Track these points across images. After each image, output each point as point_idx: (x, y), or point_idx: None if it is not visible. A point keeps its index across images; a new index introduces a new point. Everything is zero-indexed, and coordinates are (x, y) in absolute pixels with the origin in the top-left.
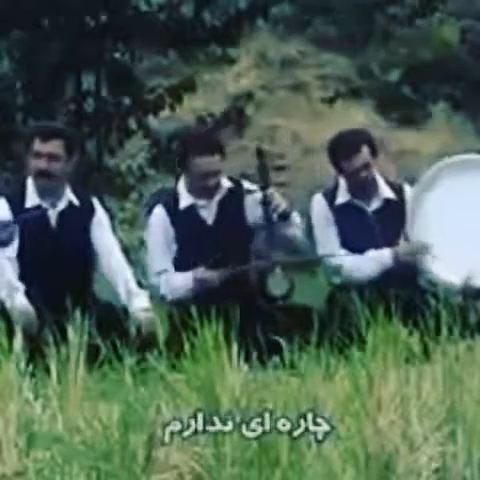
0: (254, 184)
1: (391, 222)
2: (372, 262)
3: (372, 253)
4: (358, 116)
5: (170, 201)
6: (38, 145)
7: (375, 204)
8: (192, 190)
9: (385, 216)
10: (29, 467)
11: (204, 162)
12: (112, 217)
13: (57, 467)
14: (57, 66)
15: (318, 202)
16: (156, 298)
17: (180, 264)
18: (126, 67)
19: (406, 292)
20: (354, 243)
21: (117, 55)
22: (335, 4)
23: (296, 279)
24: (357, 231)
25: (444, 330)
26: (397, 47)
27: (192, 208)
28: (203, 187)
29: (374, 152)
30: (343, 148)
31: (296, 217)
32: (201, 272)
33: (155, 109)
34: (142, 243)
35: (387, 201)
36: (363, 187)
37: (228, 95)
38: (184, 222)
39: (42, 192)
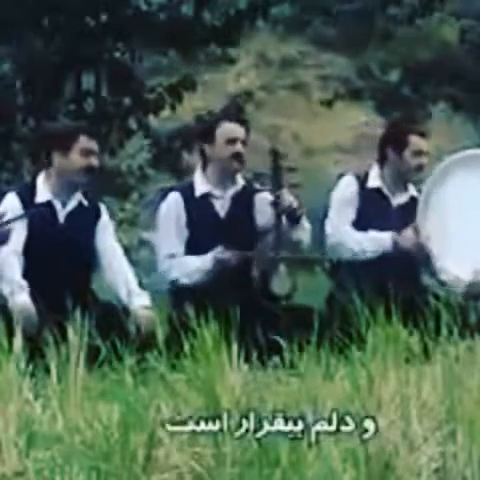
0: (264, 185)
1: (413, 218)
2: (372, 241)
3: (373, 234)
4: (358, 116)
5: (186, 189)
6: (88, 143)
7: (402, 198)
8: (210, 173)
9: (407, 212)
10: (29, 467)
11: (232, 127)
12: (112, 217)
13: (57, 467)
14: (57, 66)
15: (347, 182)
16: (163, 284)
17: (189, 252)
18: (126, 67)
19: (406, 291)
20: (371, 229)
21: (117, 55)
22: (335, 4)
23: (298, 279)
24: (377, 219)
25: (444, 330)
26: (397, 47)
27: (207, 197)
28: (230, 155)
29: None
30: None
31: (305, 222)
32: (220, 252)
33: (155, 109)
34: (142, 243)
35: (412, 199)
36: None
37: (228, 95)
38: (198, 210)
39: (61, 189)
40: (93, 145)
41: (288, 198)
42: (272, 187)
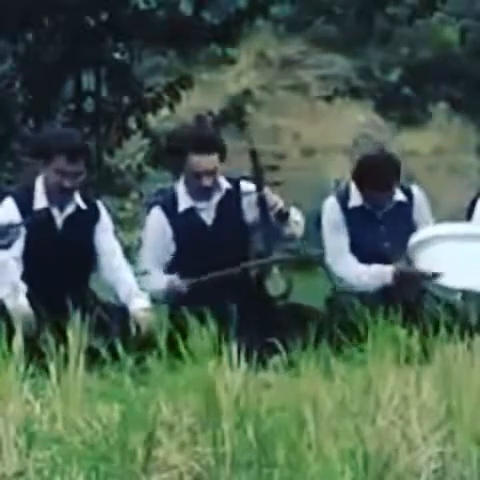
0: (251, 185)
1: (401, 223)
2: (373, 277)
3: (375, 268)
4: (358, 116)
5: (169, 202)
6: (65, 165)
7: (387, 207)
8: (190, 191)
9: (395, 218)
10: (29, 467)
11: (200, 161)
12: (112, 217)
13: (57, 467)
14: (57, 66)
15: (331, 206)
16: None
17: (180, 264)
18: (126, 66)
19: (406, 292)
20: (363, 245)
21: (117, 55)
22: (335, 4)
23: (296, 279)
24: (367, 234)
25: (443, 330)
26: (397, 47)
27: (191, 211)
28: (199, 187)
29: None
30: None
31: (296, 215)
32: (173, 280)
33: (154, 108)
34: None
35: (398, 204)
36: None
37: (228, 95)
38: (183, 224)
39: (53, 198)
40: (73, 167)
41: (272, 197)
42: (255, 187)
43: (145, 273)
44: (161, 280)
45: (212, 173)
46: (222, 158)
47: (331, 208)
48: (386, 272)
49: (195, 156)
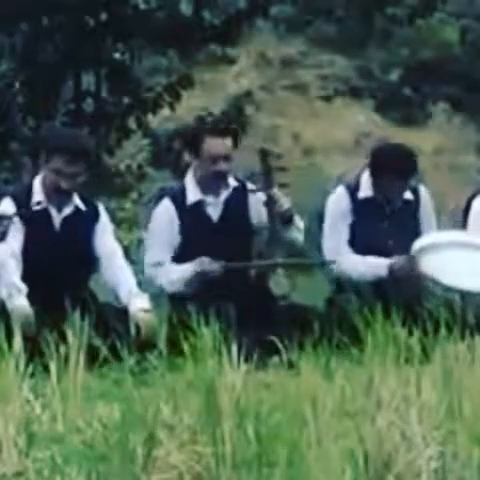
0: (257, 185)
1: (406, 221)
2: (369, 267)
3: (370, 259)
4: (358, 116)
5: (178, 195)
6: (62, 165)
7: (396, 202)
8: (200, 182)
9: (402, 215)
10: (29, 467)
11: (216, 144)
12: (111, 217)
13: (57, 467)
14: (57, 66)
15: (339, 196)
16: (150, 289)
17: (183, 258)
18: (125, 67)
19: (405, 293)
20: (365, 238)
21: (117, 55)
22: (335, 4)
23: (297, 279)
24: (372, 228)
25: (443, 330)
26: (397, 47)
27: (199, 204)
28: (213, 172)
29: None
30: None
31: (299, 221)
32: (202, 263)
33: (154, 108)
34: (142, 243)
35: (406, 202)
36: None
37: (228, 95)
38: (191, 217)
39: (51, 198)
40: (71, 169)
41: (279, 198)
42: (263, 187)
43: (158, 264)
44: (175, 270)
45: (227, 158)
46: (235, 143)
47: (339, 197)
48: (382, 264)
49: (211, 139)
